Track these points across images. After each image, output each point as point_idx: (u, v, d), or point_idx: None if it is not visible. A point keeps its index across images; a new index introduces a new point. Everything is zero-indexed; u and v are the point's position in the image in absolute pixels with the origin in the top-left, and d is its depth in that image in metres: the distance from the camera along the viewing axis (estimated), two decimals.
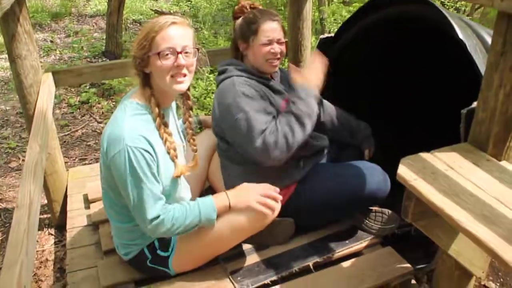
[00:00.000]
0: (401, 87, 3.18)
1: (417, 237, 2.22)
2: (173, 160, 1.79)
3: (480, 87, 1.56)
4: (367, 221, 2.21)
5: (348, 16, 6.09)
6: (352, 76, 2.93)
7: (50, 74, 2.66)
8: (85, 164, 3.75)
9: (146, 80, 1.73)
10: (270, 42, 2.03)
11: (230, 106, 1.95)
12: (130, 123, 1.66)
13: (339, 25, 6.10)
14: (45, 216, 2.97)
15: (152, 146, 1.67)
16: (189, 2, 9.63)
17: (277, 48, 2.05)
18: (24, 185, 1.67)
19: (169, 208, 1.75)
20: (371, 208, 2.22)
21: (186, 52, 1.68)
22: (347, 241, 2.18)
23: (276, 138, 1.87)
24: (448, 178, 1.47)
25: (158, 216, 1.70)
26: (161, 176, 1.73)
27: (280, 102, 2.08)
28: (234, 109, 1.93)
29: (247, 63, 2.11)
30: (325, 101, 2.42)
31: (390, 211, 2.20)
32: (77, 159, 3.85)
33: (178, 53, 1.66)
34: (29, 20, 2.43)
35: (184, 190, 1.97)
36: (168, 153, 1.77)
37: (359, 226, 2.23)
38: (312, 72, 1.98)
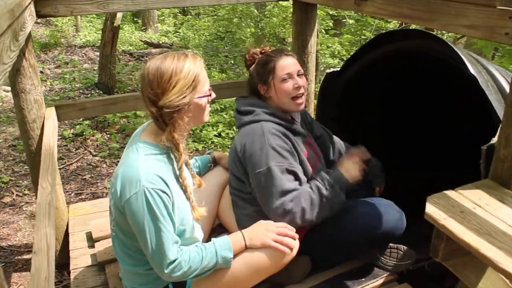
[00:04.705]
0: (408, 117, 3.21)
1: (431, 273, 2.21)
2: (188, 199, 1.75)
3: (500, 124, 1.57)
4: (382, 258, 2.17)
5: (338, 47, 6.24)
6: (358, 106, 2.95)
7: (53, 109, 2.61)
8: (81, 198, 3.67)
9: (175, 126, 1.65)
10: (290, 76, 2.00)
11: (256, 156, 1.91)
12: (144, 163, 1.61)
13: (332, 57, 6.25)
14: None
15: (168, 186, 1.62)
16: (178, 33, 9.72)
17: (300, 81, 2.00)
18: (40, 227, 1.60)
19: (185, 250, 1.69)
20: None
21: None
22: (363, 279, 2.14)
23: (294, 208, 1.86)
24: (477, 217, 1.45)
25: (175, 260, 1.64)
26: (175, 217, 1.67)
27: (302, 147, 2.06)
28: (260, 160, 1.89)
29: (272, 105, 2.06)
30: (335, 138, 2.40)
31: (405, 247, 2.16)
32: (73, 194, 3.76)
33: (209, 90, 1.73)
34: (33, 53, 2.39)
35: (197, 230, 1.91)
36: (185, 193, 1.73)
37: (375, 262, 2.19)
38: (352, 167, 2.01)
